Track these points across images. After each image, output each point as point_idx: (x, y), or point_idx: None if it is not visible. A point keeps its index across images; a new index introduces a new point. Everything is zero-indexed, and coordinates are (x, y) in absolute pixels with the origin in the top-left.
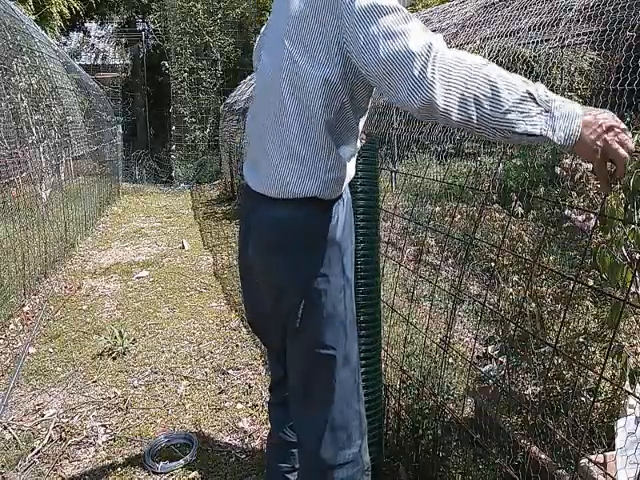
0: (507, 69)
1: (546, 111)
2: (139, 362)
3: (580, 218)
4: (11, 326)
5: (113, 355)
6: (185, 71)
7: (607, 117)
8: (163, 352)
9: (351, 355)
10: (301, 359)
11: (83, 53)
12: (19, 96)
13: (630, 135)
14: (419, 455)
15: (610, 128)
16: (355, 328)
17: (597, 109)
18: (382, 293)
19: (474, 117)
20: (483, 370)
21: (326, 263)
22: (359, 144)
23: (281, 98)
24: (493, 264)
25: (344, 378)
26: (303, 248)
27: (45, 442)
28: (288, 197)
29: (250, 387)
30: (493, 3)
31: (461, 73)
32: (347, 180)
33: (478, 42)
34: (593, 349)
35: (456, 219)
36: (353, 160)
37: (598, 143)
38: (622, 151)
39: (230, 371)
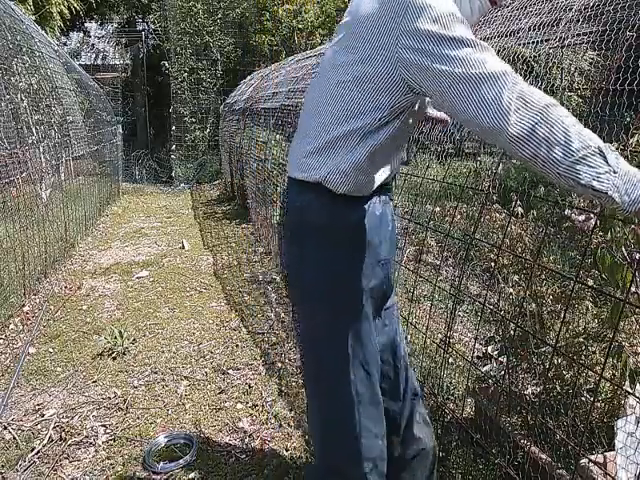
0: None
1: (614, 172)
2: (139, 362)
3: (580, 218)
4: (11, 326)
5: (113, 355)
6: (185, 71)
7: None
8: (163, 352)
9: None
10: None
11: (83, 53)
12: (19, 96)
13: None
14: None
15: None
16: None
17: None
18: None
19: (540, 157)
20: (483, 370)
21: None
22: (397, 158)
23: (322, 90)
24: (493, 264)
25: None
26: (310, 234)
27: (45, 442)
28: (296, 177)
29: (250, 387)
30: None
31: (537, 109)
32: (365, 181)
33: None
34: (593, 349)
35: (456, 219)
36: (382, 168)
37: None
38: None
39: (230, 371)
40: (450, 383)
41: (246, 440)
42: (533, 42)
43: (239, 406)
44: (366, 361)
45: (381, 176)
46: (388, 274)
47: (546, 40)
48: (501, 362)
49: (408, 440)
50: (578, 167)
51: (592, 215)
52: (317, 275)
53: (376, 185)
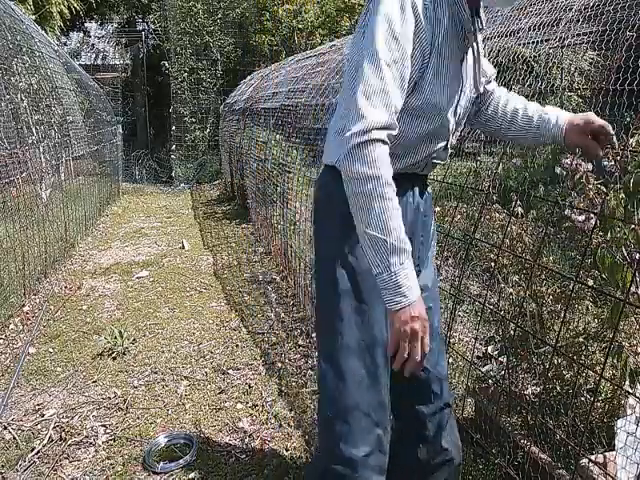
0: (507, 69)
1: (388, 268)
2: (139, 362)
3: (580, 218)
4: (11, 326)
5: (113, 355)
6: (185, 71)
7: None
8: (163, 352)
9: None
10: None
11: (83, 53)
12: (19, 96)
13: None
14: None
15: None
16: (363, 319)
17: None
18: None
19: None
20: (483, 370)
21: (336, 237)
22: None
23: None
24: (493, 264)
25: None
26: (322, 215)
27: (45, 442)
28: (324, 162)
29: (250, 387)
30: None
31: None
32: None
33: None
34: (593, 349)
35: (456, 219)
36: (408, 154)
37: (406, 329)
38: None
39: (230, 371)
40: (450, 383)
41: (246, 440)
42: (533, 42)
43: (239, 406)
44: (363, 345)
45: (394, 163)
46: None
47: (546, 40)
48: (501, 362)
49: (435, 448)
50: (367, 232)
51: (592, 215)
52: (319, 249)
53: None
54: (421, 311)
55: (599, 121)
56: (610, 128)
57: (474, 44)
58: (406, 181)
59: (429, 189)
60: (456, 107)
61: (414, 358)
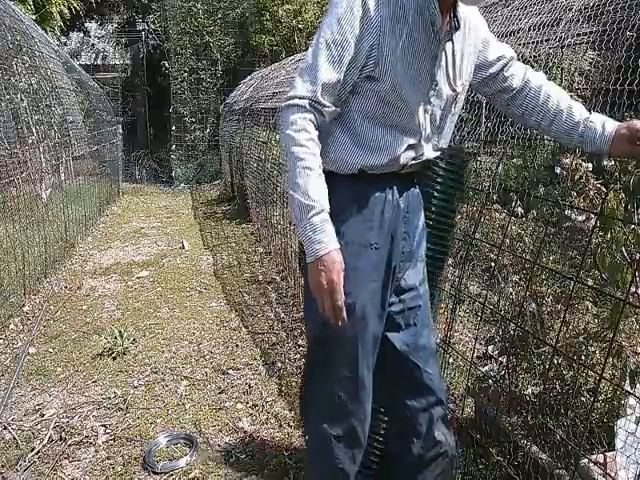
0: None
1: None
2: (139, 362)
3: (580, 218)
4: (11, 326)
5: (113, 355)
6: (185, 71)
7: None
8: (163, 352)
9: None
10: None
11: (83, 53)
12: (19, 96)
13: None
14: None
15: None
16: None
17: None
18: None
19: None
20: (483, 370)
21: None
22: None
23: None
24: (493, 264)
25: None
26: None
27: (45, 442)
28: None
29: (250, 387)
30: (493, 3)
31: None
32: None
33: None
34: (593, 349)
35: (456, 219)
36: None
37: (316, 281)
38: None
39: (230, 371)
40: (450, 383)
41: (246, 440)
42: (533, 42)
43: (239, 406)
44: (343, 336)
45: (370, 159)
46: (381, 261)
47: (546, 40)
48: (501, 362)
49: (428, 442)
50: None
51: (592, 215)
52: None
53: (362, 166)
54: (329, 265)
55: None
56: None
57: (449, 43)
58: (385, 180)
59: (417, 188)
60: (427, 103)
61: (329, 308)
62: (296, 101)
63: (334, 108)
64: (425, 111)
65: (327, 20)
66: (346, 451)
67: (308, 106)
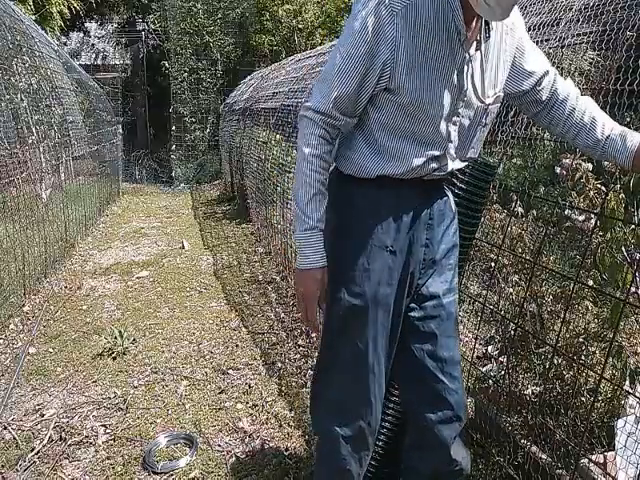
0: None
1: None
2: (139, 362)
3: (580, 218)
4: (11, 326)
5: (113, 355)
6: (185, 71)
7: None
8: (163, 352)
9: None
10: None
11: (83, 53)
12: (19, 96)
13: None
14: None
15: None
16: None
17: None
18: None
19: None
20: (483, 370)
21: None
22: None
23: None
24: (493, 264)
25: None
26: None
27: (45, 442)
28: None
29: (250, 387)
30: None
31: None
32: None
33: None
34: (593, 349)
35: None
36: (384, 157)
37: (296, 289)
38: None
39: (230, 371)
40: None
41: (246, 440)
42: (533, 42)
43: (239, 406)
44: (354, 338)
45: (388, 167)
46: (398, 265)
47: (546, 40)
48: (501, 362)
49: (443, 457)
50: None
51: (592, 215)
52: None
53: (379, 173)
54: (308, 280)
55: None
56: None
57: (478, 52)
58: (405, 186)
59: (445, 195)
60: (454, 115)
61: (305, 316)
62: (310, 114)
63: (349, 119)
64: (452, 123)
65: (345, 32)
66: (353, 453)
67: (320, 122)
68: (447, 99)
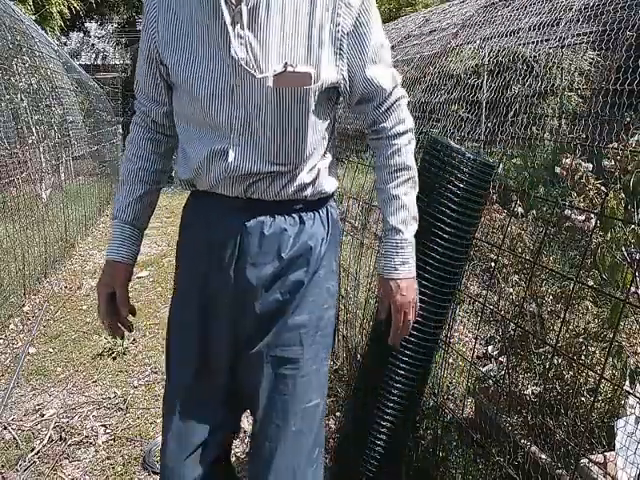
0: (507, 69)
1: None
2: (139, 362)
3: (580, 218)
4: (11, 326)
5: (113, 355)
6: None
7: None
8: (163, 352)
9: None
10: None
11: (83, 53)
12: (19, 96)
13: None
14: (419, 455)
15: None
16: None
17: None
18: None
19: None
20: (483, 370)
21: None
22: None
23: None
24: (493, 264)
25: None
26: None
27: (45, 442)
28: None
29: None
30: (493, 3)
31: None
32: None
33: (478, 42)
34: (593, 349)
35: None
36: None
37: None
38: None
39: None
40: (450, 383)
41: (246, 440)
42: (533, 42)
43: None
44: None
45: (181, 171)
46: (202, 290)
47: (546, 40)
48: (501, 362)
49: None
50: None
51: (592, 215)
52: None
53: (193, 180)
54: (104, 272)
55: None
56: None
57: (230, 17)
58: (212, 203)
59: (283, 223)
60: (230, 93)
61: (98, 311)
62: (133, 118)
63: (155, 107)
64: (230, 105)
65: None
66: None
67: (138, 119)
68: (217, 75)
